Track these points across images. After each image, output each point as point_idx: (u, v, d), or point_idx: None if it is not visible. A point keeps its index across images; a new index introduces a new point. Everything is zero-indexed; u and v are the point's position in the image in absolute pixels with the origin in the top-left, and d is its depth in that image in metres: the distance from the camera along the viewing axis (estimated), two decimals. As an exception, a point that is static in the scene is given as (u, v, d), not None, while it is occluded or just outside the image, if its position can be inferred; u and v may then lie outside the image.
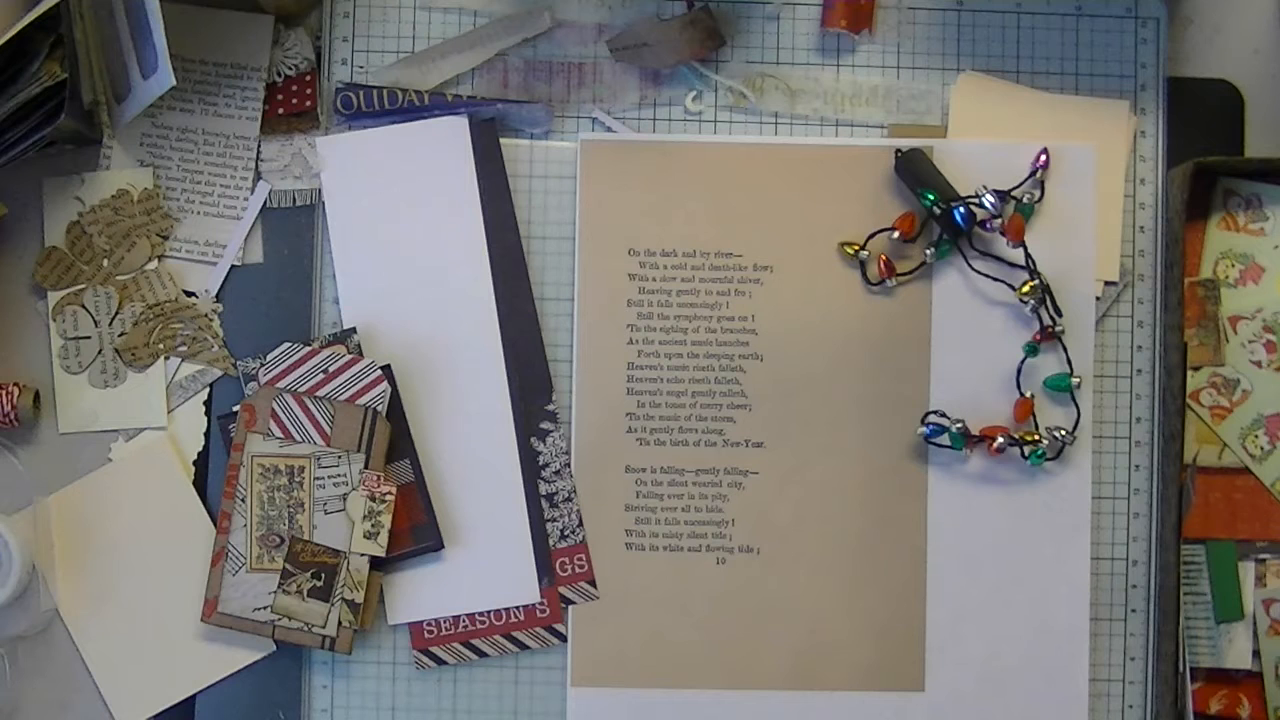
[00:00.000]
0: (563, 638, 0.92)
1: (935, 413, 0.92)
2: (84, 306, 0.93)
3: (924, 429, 0.91)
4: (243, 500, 0.90)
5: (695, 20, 0.92)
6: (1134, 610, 0.94)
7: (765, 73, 0.95)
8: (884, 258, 0.92)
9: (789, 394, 0.93)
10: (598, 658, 0.92)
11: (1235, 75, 0.97)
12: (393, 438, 0.91)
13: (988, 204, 0.91)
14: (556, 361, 0.93)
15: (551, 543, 0.92)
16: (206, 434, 0.94)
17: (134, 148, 0.95)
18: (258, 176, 0.94)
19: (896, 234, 0.92)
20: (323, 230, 0.94)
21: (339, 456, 0.90)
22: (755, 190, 0.93)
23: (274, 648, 0.92)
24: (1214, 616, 0.93)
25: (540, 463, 0.93)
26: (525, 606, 0.92)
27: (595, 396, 0.93)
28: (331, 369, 0.90)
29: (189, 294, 0.94)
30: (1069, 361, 0.93)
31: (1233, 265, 0.95)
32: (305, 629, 0.89)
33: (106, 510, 0.93)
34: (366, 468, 0.90)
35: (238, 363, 0.93)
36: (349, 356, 0.91)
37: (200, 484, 0.93)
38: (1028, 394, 0.92)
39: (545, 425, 0.93)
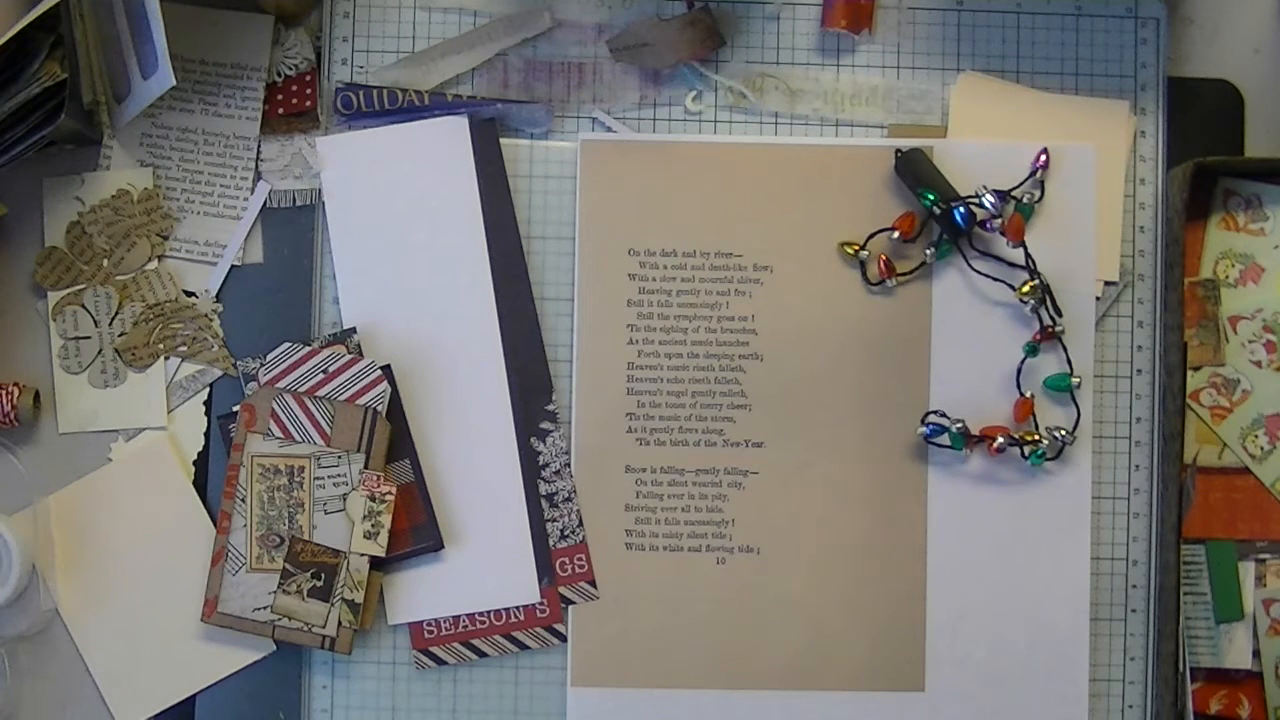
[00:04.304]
0: (563, 638, 0.92)
1: (935, 413, 0.92)
2: (84, 306, 0.93)
3: (924, 429, 0.91)
4: (243, 500, 0.90)
5: (695, 20, 0.92)
6: (1134, 610, 0.94)
7: (765, 73, 0.95)
8: (884, 258, 0.92)
9: (789, 394, 0.93)
10: (598, 658, 0.92)
11: (1235, 75, 0.97)
12: (393, 438, 0.91)
13: (988, 204, 0.91)
14: (556, 361, 0.93)
15: (551, 543, 0.92)
16: (206, 434, 0.94)
17: (134, 148, 0.95)
18: (258, 176, 0.94)
19: (896, 234, 0.92)
20: (323, 230, 0.94)
21: (339, 456, 0.90)
22: (755, 190, 0.93)
23: (274, 648, 0.92)
24: (1214, 616, 0.93)
25: (540, 463, 0.93)
26: (525, 606, 0.92)
27: (595, 396, 0.93)
28: (331, 369, 0.90)
29: (189, 294, 0.94)
30: (1069, 361, 0.93)
31: (1233, 265, 0.95)
32: (305, 629, 0.89)
33: (106, 510, 0.93)
34: (366, 468, 0.90)
35: (238, 363, 0.93)
36: (349, 356, 0.91)
37: (200, 484, 0.93)
38: (1028, 394, 0.92)
39: (545, 425, 0.93)
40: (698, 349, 0.93)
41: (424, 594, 0.92)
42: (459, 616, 0.92)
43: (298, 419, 0.90)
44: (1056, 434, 0.91)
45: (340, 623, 0.89)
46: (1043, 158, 0.92)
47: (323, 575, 0.89)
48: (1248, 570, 0.93)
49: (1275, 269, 0.94)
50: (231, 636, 0.91)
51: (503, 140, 0.94)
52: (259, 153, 0.94)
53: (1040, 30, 0.95)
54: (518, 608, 0.92)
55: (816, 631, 0.92)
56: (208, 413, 0.94)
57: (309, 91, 0.94)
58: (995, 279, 0.92)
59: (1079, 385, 0.92)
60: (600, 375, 0.93)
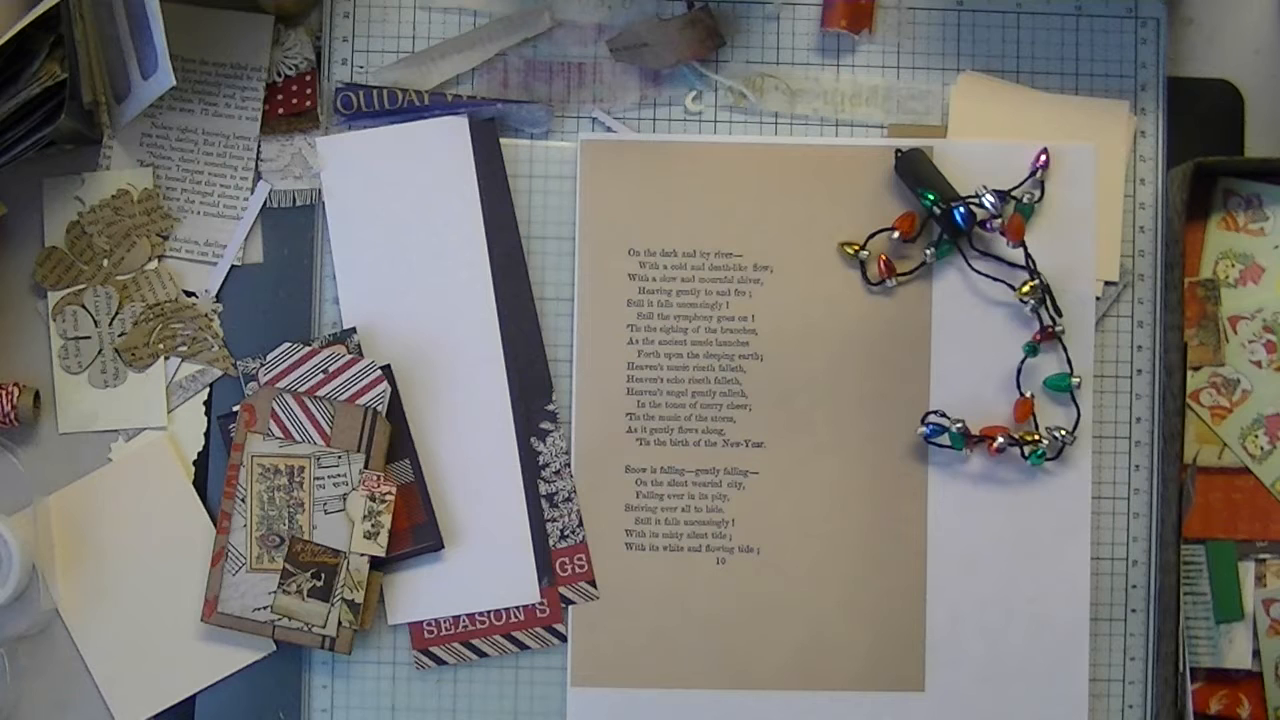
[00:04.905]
0: (563, 638, 0.92)
1: (935, 413, 0.92)
2: (84, 306, 0.93)
3: (924, 429, 0.91)
4: (243, 500, 0.90)
5: (695, 20, 0.92)
6: (1134, 610, 0.94)
7: (765, 73, 0.95)
8: (884, 258, 0.92)
9: (789, 394, 0.93)
10: (598, 658, 0.92)
11: (1235, 75, 0.97)
12: (393, 438, 0.91)
13: (988, 204, 0.91)
14: (556, 361, 0.93)
15: (551, 543, 0.92)
16: (206, 434, 0.94)
17: (134, 148, 0.95)
18: (258, 176, 0.94)
19: (896, 234, 0.92)
20: (323, 230, 0.94)
21: (339, 456, 0.90)
22: (755, 190, 0.93)
23: (274, 648, 0.92)
24: (1214, 616, 0.93)
25: (540, 463, 0.93)
26: (525, 606, 0.92)
27: (595, 396, 0.93)
28: (331, 369, 0.90)
29: (189, 294, 0.94)
30: (1069, 361, 0.93)
31: (1233, 265, 0.95)
32: (305, 629, 0.89)
33: (106, 510, 0.93)
34: (366, 468, 0.90)
35: (238, 363, 0.93)
36: (349, 356, 0.91)
37: (200, 484, 0.93)
38: (1028, 394, 0.92)
39: (545, 425, 0.93)
40: (698, 349, 0.93)
41: (424, 594, 0.92)
42: (459, 616, 0.92)
43: (298, 419, 0.90)
44: (1056, 434, 0.91)
45: (340, 623, 0.89)
46: (1043, 158, 0.92)
47: (323, 575, 0.89)
48: (1248, 570, 0.93)
49: (1275, 269, 0.94)
50: (231, 636, 0.91)
51: (503, 140, 0.94)
52: (259, 153, 0.94)
53: (1040, 30, 0.95)
54: (518, 608, 0.92)
55: (816, 631, 0.92)
56: (208, 413, 0.94)
57: (309, 91, 0.94)
58: (995, 279, 0.92)
59: (1079, 385, 0.92)
60: (600, 375, 0.93)
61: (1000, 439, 0.91)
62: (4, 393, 0.91)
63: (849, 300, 0.93)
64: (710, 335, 0.93)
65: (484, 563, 0.92)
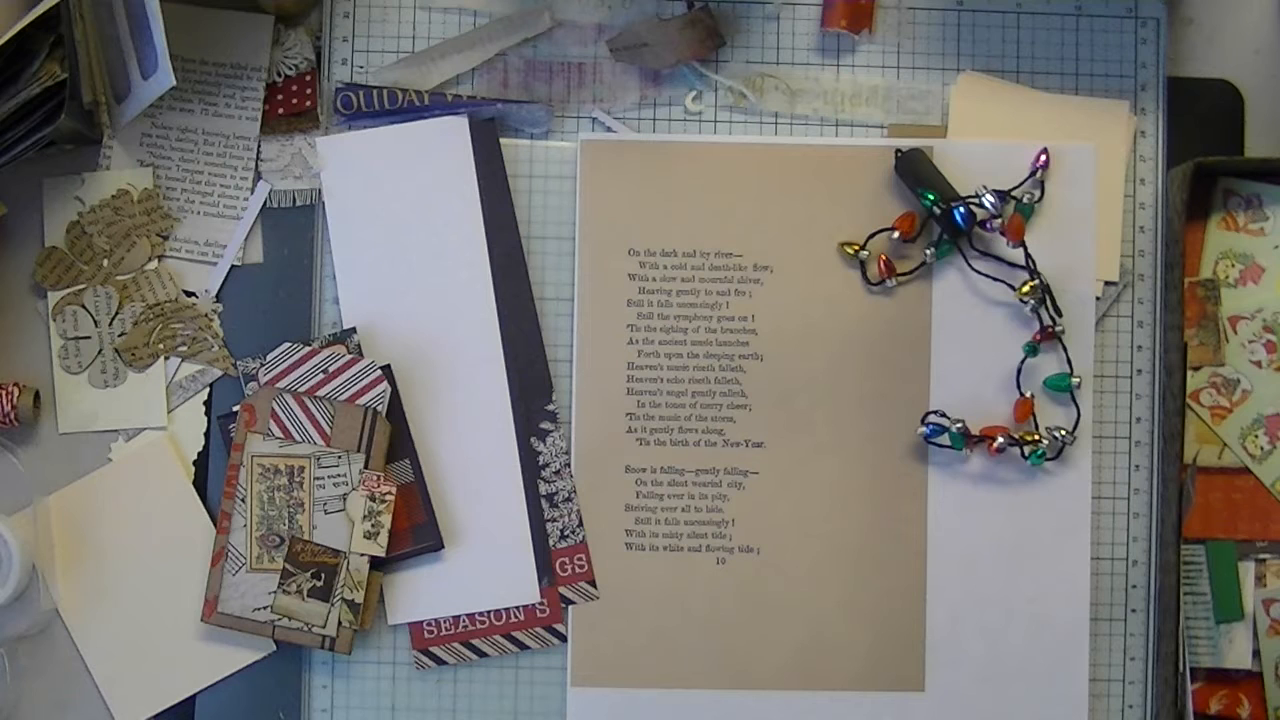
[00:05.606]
0: (563, 638, 0.92)
1: (935, 413, 0.92)
2: (84, 306, 0.93)
3: (924, 429, 0.91)
4: (243, 500, 0.90)
5: (695, 20, 0.92)
6: (1134, 610, 0.94)
7: (765, 73, 0.95)
8: (884, 258, 0.92)
9: (789, 394, 0.93)
10: (598, 658, 0.92)
11: (1235, 75, 0.97)
12: (393, 438, 0.91)
13: (988, 204, 0.91)
14: (556, 361, 0.93)
15: (551, 543, 0.92)
16: (206, 434, 0.94)
17: (134, 148, 0.95)
18: (258, 176, 0.95)
19: (896, 234, 0.92)
20: (323, 230, 0.94)
21: (339, 456, 0.90)
22: (755, 190, 0.93)
23: (274, 648, 0.92)
24: (1214, 616, 0.93)
25: (540, 463, 0.93)
26: (525, 606, 0.92)
27: (595, 396, 0.93)
28: (331, 369, 0.90)
29: (189, 294, 0.94)
30: (1069, 361, 0.93)
31: (1233, 265, 0.95)
32: (305, 629, 0.89)
33: (106, 510, 0.93)
34: (366, 468, 0.90)
35: (238, 363, 0.93)
36: (349, 356, 0.91)
37: (200, 484, 0.93)
38: (1028, 394, 0.92)
39: (545, 425, 0.93)
40: (698, 349, 0.93)
41: (424, 594, 0.92)
42: (459, 616, 0.92)
43: (298, 419, 0.90)
44: (1056, 434, 0.91)
45: (340, 623, 0.89)
46: (1043, 158, 0.92)
47: (323, 575, 0.89)
48: (1248, 570, 0.93)
49: (1275, 269, 0.94)
50: (231, 636, 0.91)
51: (503, 140, 0.94)
52: (259, 153, 0.94)
53: (1040, 30, 0.95)
54: (518, 608, 0.92)
55: (816, 631, 0.92)
56: (208, 413, 0.94)
57: (309, 91, 0.94)
58: (995, 279, 0.92)
59: (1079, 385, 0.92)
60: (600, 375, 0.93)
61: (1000, 439, 0.91)
62: (4, 393, 0.91)
63: (849, 300, 0.93)
64: (710, 335, 0.93)
65: (484, 563, 0.92)
